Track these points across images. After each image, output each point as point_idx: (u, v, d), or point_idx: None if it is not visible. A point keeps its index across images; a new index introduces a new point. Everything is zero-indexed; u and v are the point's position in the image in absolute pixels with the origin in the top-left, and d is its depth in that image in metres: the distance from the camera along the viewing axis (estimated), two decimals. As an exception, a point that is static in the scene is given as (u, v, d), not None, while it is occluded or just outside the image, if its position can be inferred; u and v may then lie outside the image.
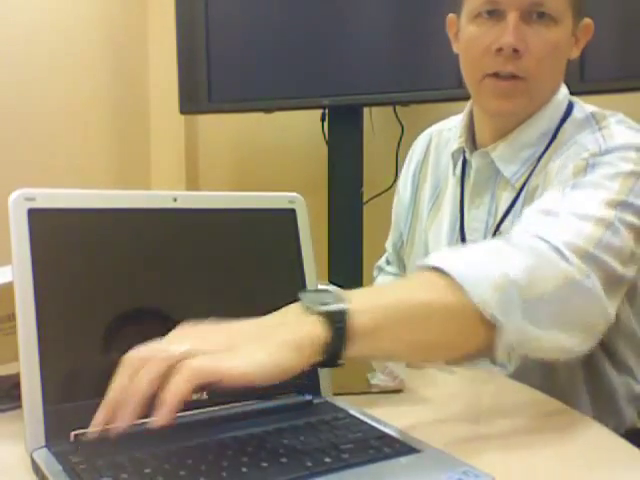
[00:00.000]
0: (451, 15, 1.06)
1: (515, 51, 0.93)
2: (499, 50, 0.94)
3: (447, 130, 1.18)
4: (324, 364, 0.62)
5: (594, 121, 0.99)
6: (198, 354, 0.57)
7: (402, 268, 1.28)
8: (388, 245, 1.32)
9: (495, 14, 0.94)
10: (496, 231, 1.02)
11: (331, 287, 0.70)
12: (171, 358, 0.57)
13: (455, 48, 1.06)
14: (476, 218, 1.05)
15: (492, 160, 1.03)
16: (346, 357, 0.62)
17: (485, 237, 1.03)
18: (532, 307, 0.71)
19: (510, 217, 1.00)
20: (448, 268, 0.70)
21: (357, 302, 0.63)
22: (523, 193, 1.00)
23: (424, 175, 1.19)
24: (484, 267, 0.72)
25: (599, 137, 0.94)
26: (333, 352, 0.61)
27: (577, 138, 0.97)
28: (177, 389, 0.55)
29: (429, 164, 1.19)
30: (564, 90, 1.05)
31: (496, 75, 0.96)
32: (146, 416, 0.64)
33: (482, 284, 0.69)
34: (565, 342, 0.75)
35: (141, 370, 0.57)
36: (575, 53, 1.01)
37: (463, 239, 1.06)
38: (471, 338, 0.71)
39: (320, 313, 0.61)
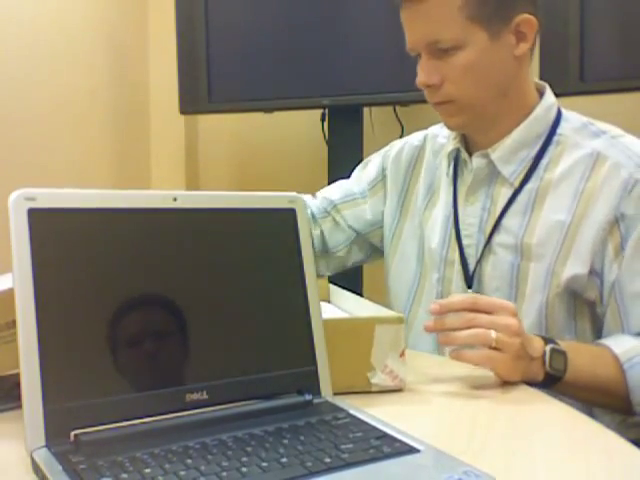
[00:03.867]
0: None
1: (428, 86, 1.05)
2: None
3: (442, 137, 1.22)
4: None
5: (596, 128, 1.07)
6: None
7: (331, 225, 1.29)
8: (323, 196, 1.32)
9: (419, 56, 1.06)
10: (496, 225, 1.07)
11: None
12: (489, 340, 0.84)
13: None
14: (471, 214, 1.11)
15: (491, 161, 1.08)
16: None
17: (480, 230, 1.09)
18: None
19: (509, 212, 1.07)
20: (626, 368, 0.95)
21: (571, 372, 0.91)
22: (525, 191, 1.07)
23: (417, 174, 1.23)
24: None
25: (624, 149, 1.03)
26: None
27: (592, 144, 1.04)
28: (467, 356, 0.86)
29: (423, 164, 1.23)
30: (550, 94, 1.10)
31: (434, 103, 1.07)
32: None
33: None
34: None
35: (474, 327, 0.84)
36: (522, 48, 1.04)
37: (458, 233, 1.12)
38: (613, 405, 0.98)
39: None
